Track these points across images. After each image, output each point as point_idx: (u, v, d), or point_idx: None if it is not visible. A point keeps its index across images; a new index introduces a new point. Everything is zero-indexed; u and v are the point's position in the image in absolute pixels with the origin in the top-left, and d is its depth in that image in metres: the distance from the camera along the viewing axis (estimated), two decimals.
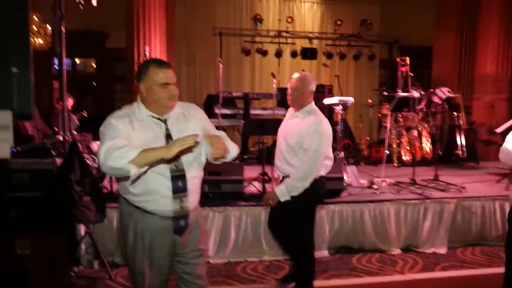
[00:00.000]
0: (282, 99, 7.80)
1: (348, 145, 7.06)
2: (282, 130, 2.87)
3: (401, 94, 5.15)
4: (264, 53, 9.18)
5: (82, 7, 3.71)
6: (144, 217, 1.89)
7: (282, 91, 8.17)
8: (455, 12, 7.64)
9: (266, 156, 4.16)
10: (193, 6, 9.07)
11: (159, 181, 1.84)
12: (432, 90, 5.24)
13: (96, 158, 4.02)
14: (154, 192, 1.84)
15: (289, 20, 9.30)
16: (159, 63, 1.92)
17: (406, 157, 5.94)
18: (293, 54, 9.24)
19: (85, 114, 5.17)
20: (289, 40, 9.38)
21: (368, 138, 7.21)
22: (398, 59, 5.47)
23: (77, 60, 10.64)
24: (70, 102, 5.15)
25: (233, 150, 1.98)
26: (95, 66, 10.55)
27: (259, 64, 9.41)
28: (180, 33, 8.67)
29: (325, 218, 3.87)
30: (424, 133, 6.13)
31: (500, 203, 4.24)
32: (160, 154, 1.65)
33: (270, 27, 9.30)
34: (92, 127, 5.13)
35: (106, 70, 10.18)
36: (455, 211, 4.15)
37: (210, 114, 6.92)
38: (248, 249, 3.76)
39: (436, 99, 5.17)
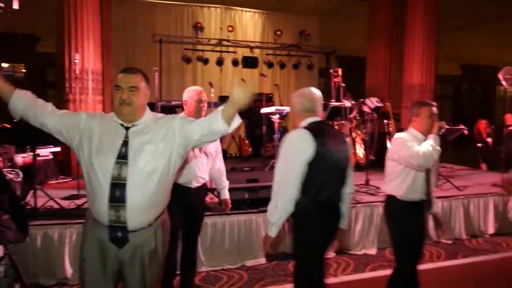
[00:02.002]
0: None
1: None
2: None
3: (334, 103, 5.42)
4: (205, 61, 9.18)
5: (1, 10, 3.45)
6: (95, 226, 1.82)
7: (223, 99, 8.22)
8: (385, 25, 8.17)
9: None
10: (132, 13, 8.86)
11: (102, 189, 1.75)
12: (362, 100, 5.58)
13: (20, 172, 3.76)
14: (96, 200, 1.77)
15: (230, 29, 9.40)
16: (125, 68, 1.89)
17: None
18: (234, 63, 9.35)
19: (7, 125, 4.80)
20: (230, 49, 9.47)
21: None
22: (331, 71, 5.74)
23: (5, 65, 9.92)
24: None
25: (238, 119, 1.77)
26: (24, 71, 9.89)
27: (200, 72, 9.39)
28: (118, 40, 8.41)
29: (262, 225, 3.92)
30: (358, 140, 6.47)
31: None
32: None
33: (212, 36, 9.33)
34: (17, 138, 4.75)
35: (37, 76, 9.59)
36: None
37: None
38: None
39: (366, 108, 5.50)
